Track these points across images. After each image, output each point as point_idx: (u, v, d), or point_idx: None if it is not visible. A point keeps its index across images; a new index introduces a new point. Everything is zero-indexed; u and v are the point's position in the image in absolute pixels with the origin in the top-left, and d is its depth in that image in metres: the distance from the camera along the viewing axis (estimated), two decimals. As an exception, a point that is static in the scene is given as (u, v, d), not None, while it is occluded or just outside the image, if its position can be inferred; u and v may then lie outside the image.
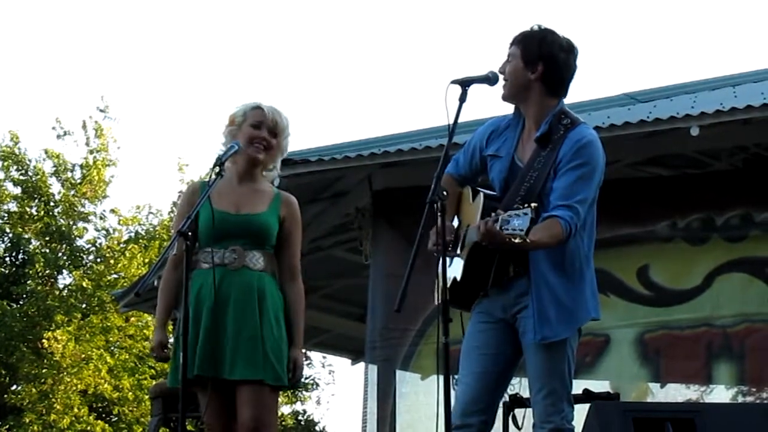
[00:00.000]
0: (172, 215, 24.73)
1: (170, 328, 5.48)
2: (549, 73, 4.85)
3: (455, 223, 4.97)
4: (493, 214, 4.47)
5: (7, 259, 24.52)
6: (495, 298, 4.87)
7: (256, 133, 5.38)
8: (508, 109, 5.03)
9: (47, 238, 24.17)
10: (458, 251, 4.85)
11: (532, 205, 4.36)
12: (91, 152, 24.37)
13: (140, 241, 24.23)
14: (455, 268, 4.83)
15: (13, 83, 38.80)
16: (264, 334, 5.20)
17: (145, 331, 23.21)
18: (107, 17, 40.25)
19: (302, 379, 5.49)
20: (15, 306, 23.41)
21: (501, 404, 7.15)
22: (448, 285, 4.60)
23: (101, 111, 24.59)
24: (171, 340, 5.46)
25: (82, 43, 42.61)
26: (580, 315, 4.79)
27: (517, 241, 4.34)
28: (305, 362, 5.55)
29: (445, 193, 4.57)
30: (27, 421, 21.76)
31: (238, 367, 5.16)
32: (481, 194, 4.84)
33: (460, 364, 4.87)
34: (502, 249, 4.57)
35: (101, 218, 24.62)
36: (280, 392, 5.49)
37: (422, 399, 9.87)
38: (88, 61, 41.86)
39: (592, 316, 4.83)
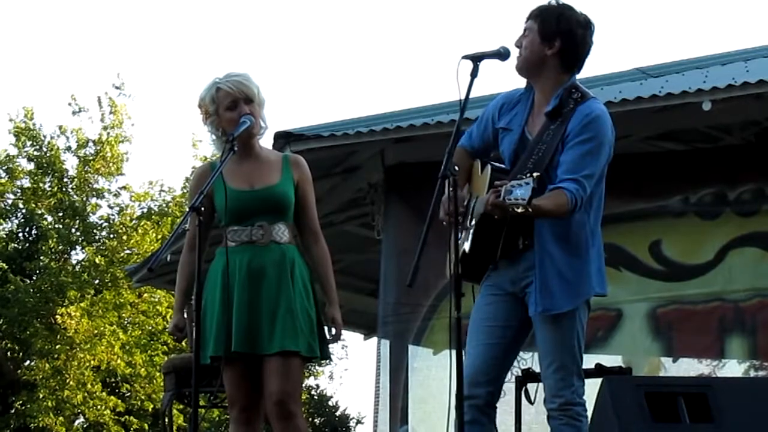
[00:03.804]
0: (184, 191, 24.73)
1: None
2: (566, 49, 4.84)
3: (466, 193, 4.98)
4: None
5: (21, 234, 24.57)
6: (504, 271, 4.88)
7: (236, 114, 5.33)
8: (519, 83, 5.03)
9: (60, 214, 24.21)
10: (467, 223, 4.86)
11: (534, 174, 4.37)
12: (105, 128, 24.37)
13: (153, 217, 24.26)
14: (465, 240, 4.84)
15: (29, 61, 38.82)
16: (297, 306, 5.26)
17: (158, 307, 23.29)
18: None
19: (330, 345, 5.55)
20: (28, 282, 23.49)
21: (513, 379, 7.20)
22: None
23: (117, 88, 24.61)
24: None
25: (97, 21, 42.63)
26: (583, 289, 4.78)
27: (519, 210, 4.36)
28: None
29: (456, 168, 4.58)
30: (40, 396, 21.86)
31: (276, 339, 5.20)
32: (489, 167, 4.85)
33: (468, 335, 4.87)
34: (511, 218, 4.57)
35: (115, 195, 24.67)
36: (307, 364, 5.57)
37: (434, 373, 9.89)
38: (103, 38, 41.85)
39: (597, 291, 4.82)
